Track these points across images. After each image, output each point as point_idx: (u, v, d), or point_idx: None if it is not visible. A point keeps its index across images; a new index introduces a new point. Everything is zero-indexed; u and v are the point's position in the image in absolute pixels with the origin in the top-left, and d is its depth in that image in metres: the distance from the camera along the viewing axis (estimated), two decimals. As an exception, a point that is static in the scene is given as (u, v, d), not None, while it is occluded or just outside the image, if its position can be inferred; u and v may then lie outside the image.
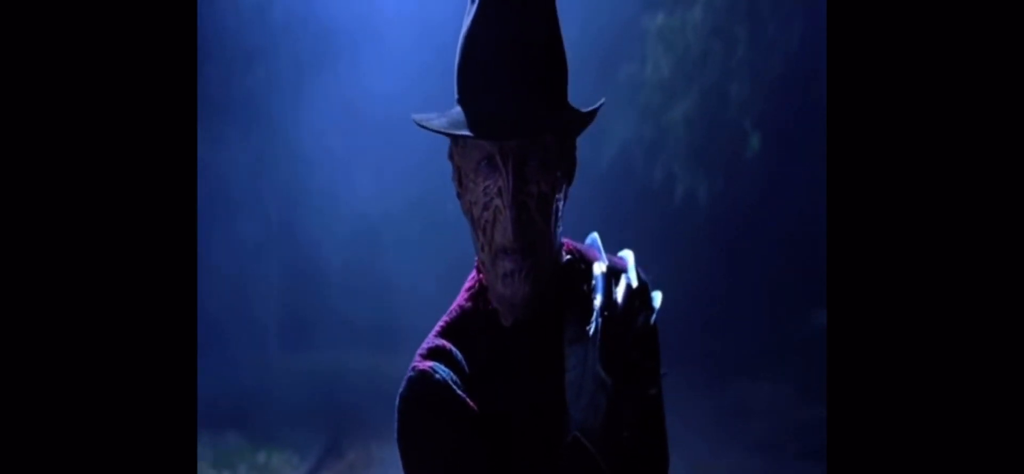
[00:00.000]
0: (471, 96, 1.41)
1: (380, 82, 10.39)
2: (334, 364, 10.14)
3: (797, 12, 10.05)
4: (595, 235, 1.55)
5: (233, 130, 10.29)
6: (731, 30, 10.52)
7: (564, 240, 1.51)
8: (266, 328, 11.05)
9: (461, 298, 1.50)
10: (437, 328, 1.48)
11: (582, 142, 1.50)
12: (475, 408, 1.41)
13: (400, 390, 1.42)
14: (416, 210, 10.69)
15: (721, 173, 10.77)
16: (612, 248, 1.56)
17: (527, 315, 1.44)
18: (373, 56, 10.72)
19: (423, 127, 1.42)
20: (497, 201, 1.39)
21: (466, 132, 1.37)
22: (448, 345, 1.45)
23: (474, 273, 1.51)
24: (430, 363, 1.42)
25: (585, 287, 1.44)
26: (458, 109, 1.42)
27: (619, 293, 1.44)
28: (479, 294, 1.49)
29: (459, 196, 1.45)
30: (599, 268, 1.45)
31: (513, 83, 1.38)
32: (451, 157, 1.46)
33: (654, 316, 1.47)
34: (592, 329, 1.40)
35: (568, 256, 1.50)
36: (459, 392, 1.41)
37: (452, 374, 1.42)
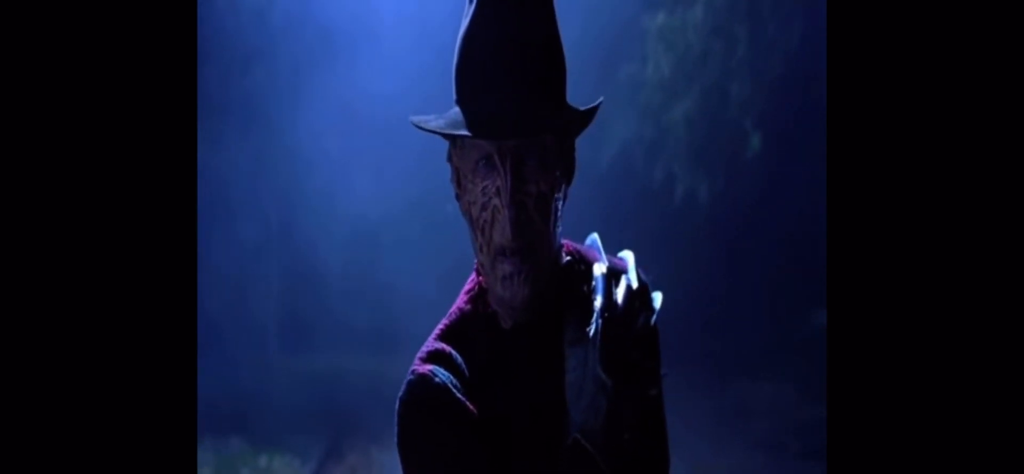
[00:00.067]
0: (469, 96, 1.41)
1: (379, 83, 10.40)
2: (334, 366, 10.15)
3: (797, 12, 10.06)
4: (595, 236, 1.54)
5: (232, 131, 10.30)
6: (731, 30, 10.53)
7: (564, 241, 1.51)
8: (265, 330, 11.06)
9: (460, 301, 1.50)
10: (437, 331, 1.48)
11: (582, 142, 1.49)
12: (475, 411, 1.41)
13: (400, 394, 1.42)
14: (415, 212, 10.70)
15: (721, 173, 10.78)
16: (612, 248, 1.55)
17: (527, 317, 1.44)
18: (372, 57, 10.73)
19: (421, 128, 1.41)
20: (495, 201, 1.38)
21: (464, 132, 1.37)
22: (448, 348, 1.44)
23: (473, 275, 1.51)
24: (430, 366, 1.42)
25: (585, 288, 1.44)
26: (456, 110, 1.42)
27: (619, 294, 1.43)
28: (478, 296, 1.48)
29: (458, 198, 1.45)
30: (599, 269, 1.44)
31: (511, 83, 1.38)
32: (450, 159, 1.46)
33: (654, 317, 1.47)
34: (592, 330, 1.39)
35: (568, 257, 1.50)
36: (459, 395, 1.40)
37: (452, 377, 1.41)
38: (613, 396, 1.38)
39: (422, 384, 1.40)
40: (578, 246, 1.54)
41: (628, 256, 1.53)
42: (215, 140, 9.65)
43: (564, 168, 1.44)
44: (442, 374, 1.41)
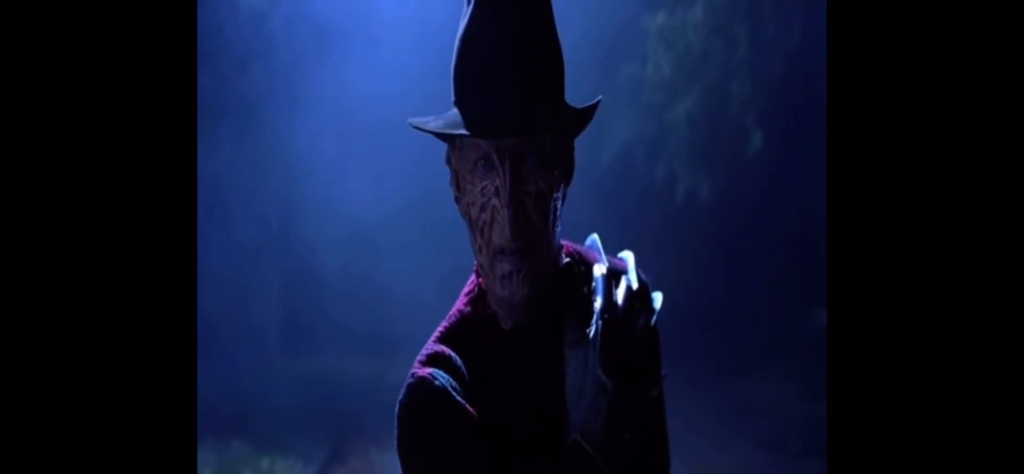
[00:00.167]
0: (468, 96, 1.40)
1: (378, 85, 10.40)
2: (334, 369, 10.14)
3: (797, 11, 10.07)
4: (595, 236, 1.54)
5: (230, 133, 10.28)
6: (732, 29, 10.54)
7: (564, 242, 1.50)
8: (266, 332, 11.05)
9: (460, 303, 1.49)
10: (436, 334, 1.47)
11: (582, 142, 1.49)
12: (475, 414, 1.40)
13: (400, 397, 1.41)
14: (415, 214, 10.69)
15: (722, 172, 10.78)
16: (613, 249, 1.55)
17: (527, 318, 1.43)
18: (371, 59, 10.73)
19: (419, 129, 1.41)
20: (494, 201, 1.38)
21: (462, 131, 1.36)
22: (447, 351, 1.44)
23: (473, 277, 1.50)
24: (429, 369, 1.41)
25: (585, 289, 1.43)
26: (455, 111, 1.41)
27: (619, 295, 1.43)
28: (478, 298, 1.48)
29: (457, 200, 1.44)
30: (599, 270, 1.44)
31: (510, 82, 1.38)
32: (449, 161, 1.45)
33: (655, 317, 1.46)
34: (592, 332, 1.39)
35: (568, 258, 1.49)
36: (459, 398, 1.40)
37: (452, 380, 1.41)
38: (613, 397, 1.37)
39: (422, 387, 1.40)
40: (578, 247, 1.54)
41: (628, 256, 1.53)
42: (214, 142, 9.64)
43: (563, 167, 1.43)
44: (442, 377, 1.40)
